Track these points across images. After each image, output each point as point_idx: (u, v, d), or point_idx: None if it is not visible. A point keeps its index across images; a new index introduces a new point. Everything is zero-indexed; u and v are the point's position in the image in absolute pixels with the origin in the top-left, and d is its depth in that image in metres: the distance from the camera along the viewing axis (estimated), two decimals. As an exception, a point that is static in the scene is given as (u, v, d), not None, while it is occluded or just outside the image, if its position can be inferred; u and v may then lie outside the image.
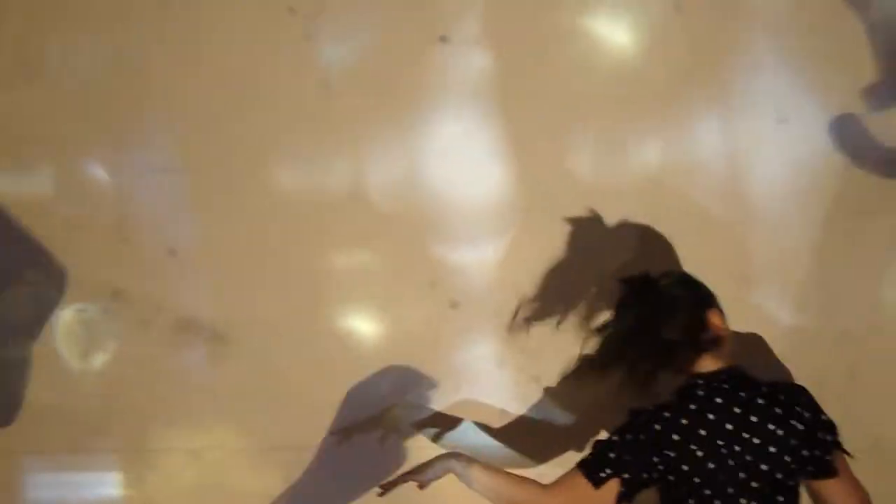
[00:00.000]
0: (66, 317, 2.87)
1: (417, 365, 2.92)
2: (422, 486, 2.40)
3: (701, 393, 2.33)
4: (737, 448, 2.29)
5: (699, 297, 2.39)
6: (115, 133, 2.87)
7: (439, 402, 2.91)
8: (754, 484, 2.29)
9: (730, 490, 2.30)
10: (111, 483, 2.93)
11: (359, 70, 2.86)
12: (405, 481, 2.38)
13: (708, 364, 2.36)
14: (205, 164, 2.88)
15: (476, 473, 2.38)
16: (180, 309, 2.89)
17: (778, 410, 2.31)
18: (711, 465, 2.29)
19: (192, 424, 2.91)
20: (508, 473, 2.42)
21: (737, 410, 2.31)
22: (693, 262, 2.81)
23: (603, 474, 2.33)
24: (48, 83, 2.86)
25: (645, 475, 2.32)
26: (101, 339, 2.88)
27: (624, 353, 2.34)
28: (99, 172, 2.87)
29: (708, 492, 2.30)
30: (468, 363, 2.92)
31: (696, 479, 2.30)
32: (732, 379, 2.34)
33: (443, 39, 2.86)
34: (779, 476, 2.29)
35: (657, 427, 2.32)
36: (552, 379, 2.90)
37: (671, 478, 2.31)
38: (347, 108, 2.87)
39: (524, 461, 2.85)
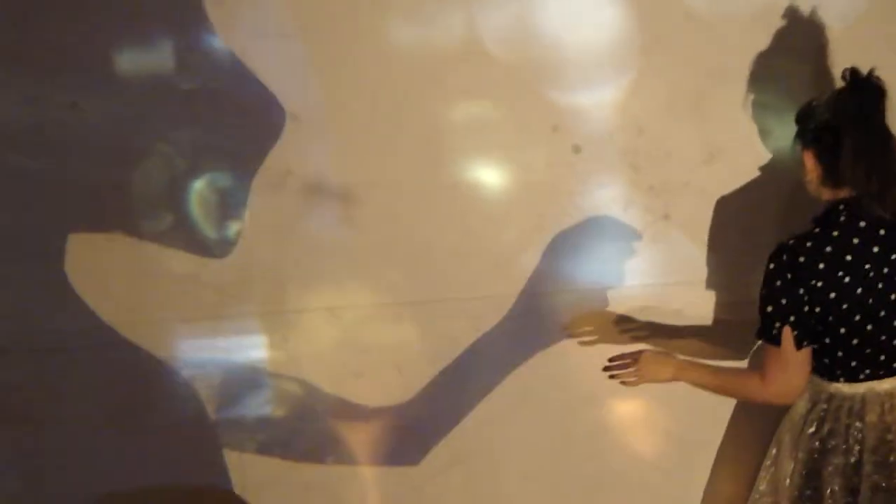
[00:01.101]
0: (198, 186, 2.91)
1: (544, 211, 2.93)
2: (627, 384, 2.57)
3: (843, 219, 2.31)
4: (885, 270, 2.29)
5: None
6: (227, 3, 2.84)
7: (569, 248, 2.93)
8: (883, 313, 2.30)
9: (882, 313, 2.30)
10: (255, 345, 3.00)
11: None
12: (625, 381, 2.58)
13: (840, 193, 2.33)
14: (317, 28, 2.85)
15: (688, 374, 2.53)
16: (308, 172, 2.91)
17: None
18: (860, 291, 2.29)
19: (327, 284, 2.96)
20: (715, 368, 2.56)
21: (882, 232, 2.29)
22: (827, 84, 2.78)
23: (775, 331, 2.34)
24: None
25: (808, 309, 2.32)
26: (234, 207, 2.92)
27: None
28: (215, 42, 2.86)
29: (858, 317, 2.31)
30: (595, 206, 2.92)
31: (846, 306, 2.30)
32: (871, 204, 2.30)
33: None
34: None
35: (801, 260, 2.31)
36: (682, 216, 2.90)
37: (818, 309, 2.31)
38: (458, -44, 2.82)
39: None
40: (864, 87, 2.29)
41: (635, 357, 2.60)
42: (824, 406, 2.42)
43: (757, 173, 2.86)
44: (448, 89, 2.89)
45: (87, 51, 2.84)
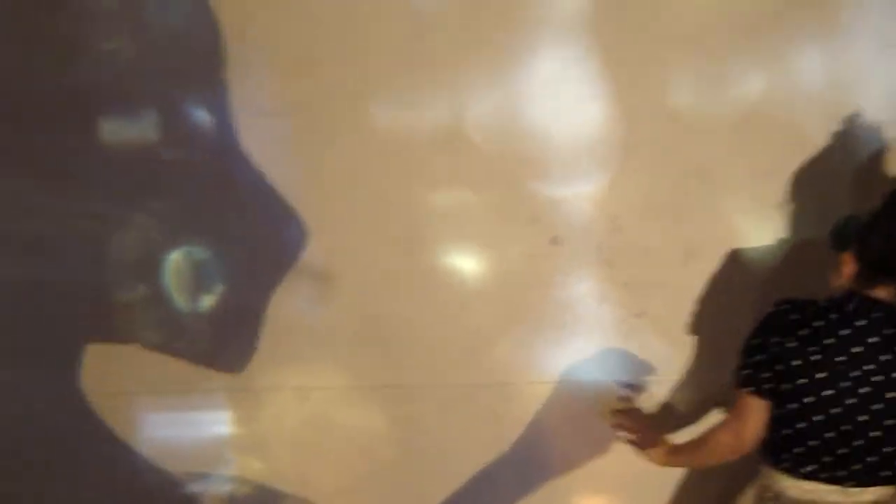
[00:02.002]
0: (174, 259, 2.90)
1: (518, 302, 2.92)
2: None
3: (850, 309, 2.32)
4: (853, 374, 2.28)
5: None
6: (215, 78, 2.86)
7: (542, 339, 2.93)
8: (860, 417, 2.28)
9: (833, 411, 2.29)
10: (222, 421, 2.98)
11: (455, 7, 2.83)
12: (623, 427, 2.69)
13: (876, 292, 2.34)
14: (304, 107, 2.87)
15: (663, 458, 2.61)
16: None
17: None
18: (819, 376, 2.29)
19: (298, 363, 2.94)
20: (686, 445, 2.59)
21: (872, 340, 2.28)
22: (799, 192, 2.80)
23: (743, 370, 2.38)
24: (149, 29, 2.86)
25: (772, 360, 2.34)
26: (208, 281, 2.91)
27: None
28: (201, 116, 2.87)
29: (809, 399, 2.30)
30: (570, 300, 2.92)
31: (802, 381, 2.29)
32: (887, 313, 2.31)
33: (541, -27, 2.82)
34: (888, 423, 2.27)
35: (793, 317, 2.33)
36: (656, 314, 2.90)
37: (779, 367, 2.32)
38: (445, 47, 2.84)
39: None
40: None
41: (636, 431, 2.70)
42: None
43: (734, 274, 2.86)
44: (430, 175, 2.91)
45: (75, 117, 2.84)
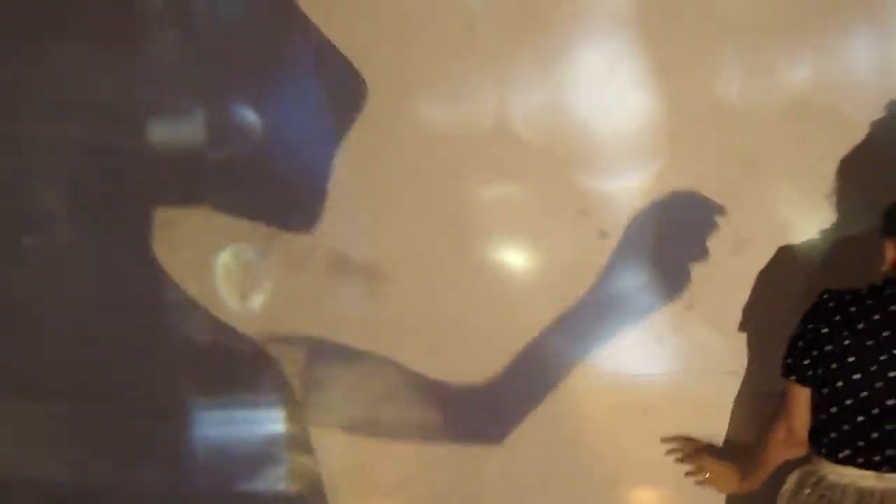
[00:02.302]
0: (224, 259, 2.91)
1: (568, 296, 2.92)
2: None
3: (886, 294, 2.34)
4: (882, 357, 2.30)
5: None
6: (260, 74, 2.87)
7: (592, 334, 2.92)
8: (888, 401, 2.29)
9: (863, 394, 2.31)
10: (272, 419, 2.98)
11: (503, 0, 2.83)
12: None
13: None
14: (353, 102, 2.87)
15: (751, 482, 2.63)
16: (333, 247, 2.91)
17: None
18: (851, 360, 2.32)
19: (350, 361, 2.94)
20: (751, 461, 2.61)
21: None
22: (848, 181, 2.79)
23: (788, 360, 2.41)
24: (197, 27, 2.87)
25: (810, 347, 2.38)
26: (259, 280, 2.92)
27: None
28: (248, 114, 2.88)
29: (840, 384, 2.33)
30: (619, 293, 2.92)
31: (833, 366, 2.33)
32: None
33: (588, -33, 2.82)
34: None
35: (831, 304, 2.37)
36: (706, 307, 2.89)
37: (814, 353, 2.36)
38: (492, 40, 2.84)
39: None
40: None
41: (700, 466, 2.73)
42: (808, 491, 2.40)
43: (784, 265, 2.85)
44: (477, 170, 2.91)
45: (121, 114, 2.85)
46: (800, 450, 2.49)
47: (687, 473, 2.75)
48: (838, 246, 2.83)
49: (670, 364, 2.92)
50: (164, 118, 2.91)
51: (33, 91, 2.89)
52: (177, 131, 2.91)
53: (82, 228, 2.94)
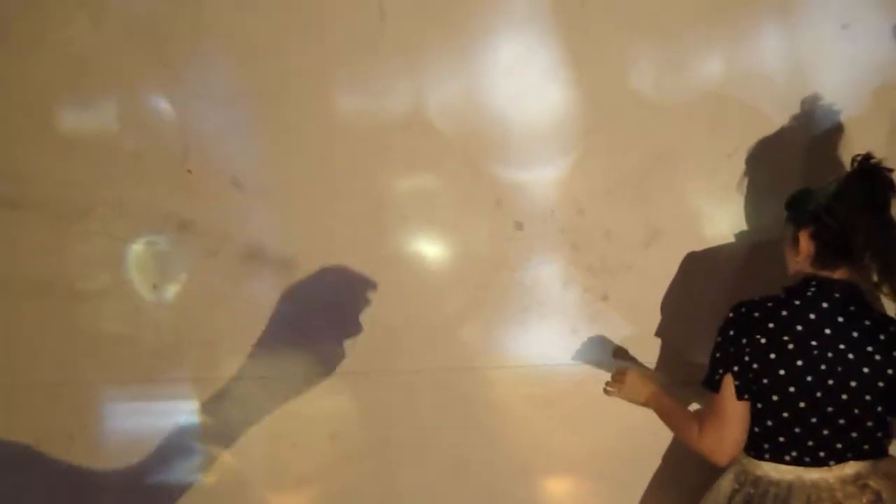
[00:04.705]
0: (136, 248, 2.88)
1: (483, 286, 2.93)
2: (608, 394, 2.69)
3: (810, 293, 2.33)
4: (830, 354, 2.29)
5: None
6: (174, 64, 2.85)
7: (507, 324, 2.93)
8: (843, 396, 2.30)
9: (817, 395, 2.31)
10: (186, 411, 2.96)
11: (416, -9, 2.83)
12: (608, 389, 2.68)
13: (833, 273, 2.36)
14: (264, 94, 2.86)
15: (660, 402, 2.60)
16: (247, 238, 2.90)
17: (882, 337, 2.30)
18: (799, 363, 2.30)
19: (263, 352, 2.93)
20: (672, 408, 2.58)
21: (840, 320, 2.30)
22: (759, 172, 2.81)
23: (717, 377, 2.36)
24: (108, 16, 2.83)
25: (748, 360, 2.34)
26: (171, 271, 2.90)
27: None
28: (161, 104, 2.86)
29: (792, 389, 2.31)
30: (535, 283, 2.92)
31: (782, 373, 2.31)
32: (847, 292, 2.33)
33: (500, -42, 2.82)
34: (867, 398, 2.29)
35: (755, 314, 2.34)
36: (621, 297, 2.90)
37: (755, 366, 2.33)
38: (404, 31, 2.84)
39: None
40: (876, 175, 2.32)
41: (622, 373, 2.68)
42: (750, 490, 2.41)
43: (696, 257, 2.87)
44: (392, 160, 2.90)
45: (34, 107, 2.82)
46: (722, 459, 2.42)
47: (606, 383, 2.71)
48: (749, 235, 2.85)
49: (584, 354, 2.93)
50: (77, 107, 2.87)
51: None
52: (88, 121, 2.87)
53: None
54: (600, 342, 2.93)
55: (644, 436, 2.84)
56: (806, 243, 2.36)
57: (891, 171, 2.33)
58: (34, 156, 2.85)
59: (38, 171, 2.85)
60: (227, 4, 2.82)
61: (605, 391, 2.70)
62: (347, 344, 2.91)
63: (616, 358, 2.89)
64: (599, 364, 2.90)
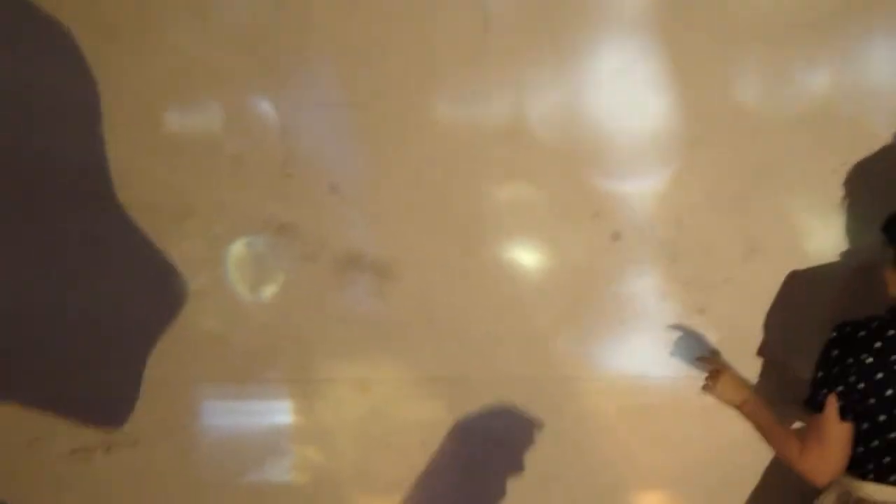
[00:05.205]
0: (235, 250, 2.92)
1: (579, 297, 2.92)
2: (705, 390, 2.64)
3: None
4: None
5: None
6: (278, 69, 2.87)
7: (602, 336, 2.92)
8: None
9: None
10: (281, 411, 2.99)
11: (521, 1, 2.81)
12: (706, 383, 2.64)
13: None
14: (366, 99, 2.87)
15: (753, 409, 2.56)
16: (344, 243, 2.92)
17: None
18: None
19: (357, 356, 2.95)
20: (775, 419, 2.54)
21: None
22: (863, 190, 2.76)
23: (820, 398, 2.33)
24: (214, 20, 2.86)
25: (854, 380, 2.32)
26: (269, 272, 2.93)
27: None
28: (264, 108, 2.88)
29: (883, 417, 2.29)
30: (631, 296, 2.91)
31: (889, 392, 2.30)
32: None
33: (605, -30, 2.79)
34: None
35: (860, 334, 2.32)
36: (718, 311, 2.88)
37: (861, 385, 2.31)
38: (508, 41, 2.82)
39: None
40: None
41: (719, 370, 2.65)
42: None
43: (797, 273, 2.83)
44: (491, 169, 2.90)
45: (141, 109, 2.86)
46: (823, 480, 2.41)
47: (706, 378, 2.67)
48: (852, 252, 2.81)
49: (680, 368, 2.91)
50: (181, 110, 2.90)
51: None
52: (192, 123, 2.91)
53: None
54: (697, 343, 2.89)
55: (741, 453, 2.82)
56: None
57: None
58: (140, 157, 2.87)
59: (144, 173, 2.88)
60: (333, 10, 2.82)
61: (703, 387, 2.66)
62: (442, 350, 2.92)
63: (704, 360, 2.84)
64: (695, 376, 2.86)
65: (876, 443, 2.33)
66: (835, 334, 2.37)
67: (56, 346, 2.95)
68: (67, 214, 2.89)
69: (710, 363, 2.73)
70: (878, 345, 2.30)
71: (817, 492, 2.48)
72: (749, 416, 2.59)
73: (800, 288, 2.84)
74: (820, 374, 2.37)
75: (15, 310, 2.92)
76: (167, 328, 2.90)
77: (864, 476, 2.37)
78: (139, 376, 2.92)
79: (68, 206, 2.88)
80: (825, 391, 2.35)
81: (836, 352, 2.35)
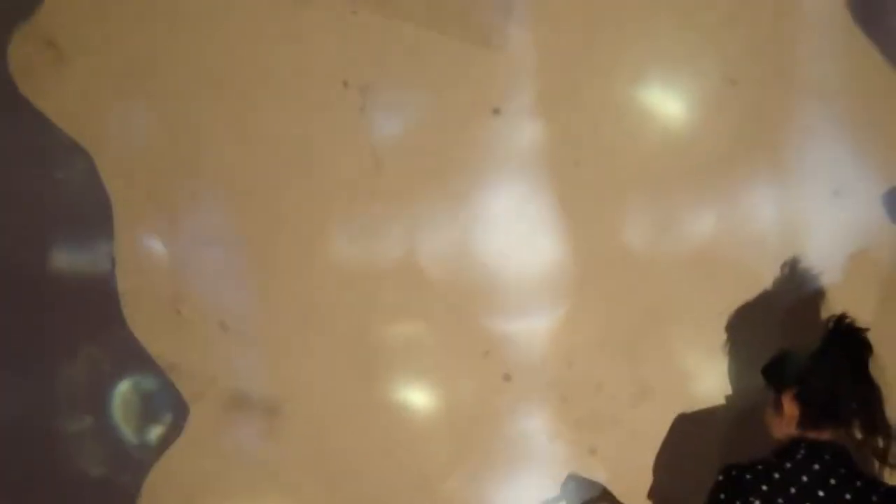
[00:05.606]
0: (122, 389, 2.87)
1: (470, 437, 2.90)
2: None
3: (800, 456, 2.32)
4: None
5: None
6: (168, 205, 2.86)
7: (493, 477, 2.90)
8: None
9: None
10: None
11: (411, 141, 2.86)
12: None
13: (821, 434, 2.35)
14: (257, 237, 2.87)
15: None
16: (234, 382, 2.88)
17: (874, 499, 2.27)
18: None
19: (246, 498, 2.89)
20: None
21: (832, 482, 2.28)
22: (743, 334, 2.80)
23: None
24: (104, 154, 2.86)
25: None
26: (157, 413, 2.88)
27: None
28: (154, 244, 2.87)
29: None
30: (522, 436, 2.90)
31: None
32: (836, 454, 2.32)
33: (496, 112, 2.85)
34: None
35: (747, 476, 2.31)
36: (608, 451, 2.88)
37: None
38: (400, 179, 2.86)
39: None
40: (851, 335, 2.36)
41: None
42: None
43: (685, 416, 2.85)
44: (382, 306, 2.90)
45: (23, 245, 2.82)
46: None
47: None
48: (736, 399, 2.84)
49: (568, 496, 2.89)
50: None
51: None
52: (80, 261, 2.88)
53: None
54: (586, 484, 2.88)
55: None
56: (790, 406, 2.37)
57: (866, 330, 2.36)
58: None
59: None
60: (224, 146, 2.84)
61: None
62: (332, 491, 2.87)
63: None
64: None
65: None
66: (721, 477, 2.37)
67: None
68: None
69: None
70: (764, 487, 2.30)
71: None
72: None
73: (688, 430, 2.85)
74: None
75: None
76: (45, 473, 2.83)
77: None
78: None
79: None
80: None
81: (722, 495, 2.34)
